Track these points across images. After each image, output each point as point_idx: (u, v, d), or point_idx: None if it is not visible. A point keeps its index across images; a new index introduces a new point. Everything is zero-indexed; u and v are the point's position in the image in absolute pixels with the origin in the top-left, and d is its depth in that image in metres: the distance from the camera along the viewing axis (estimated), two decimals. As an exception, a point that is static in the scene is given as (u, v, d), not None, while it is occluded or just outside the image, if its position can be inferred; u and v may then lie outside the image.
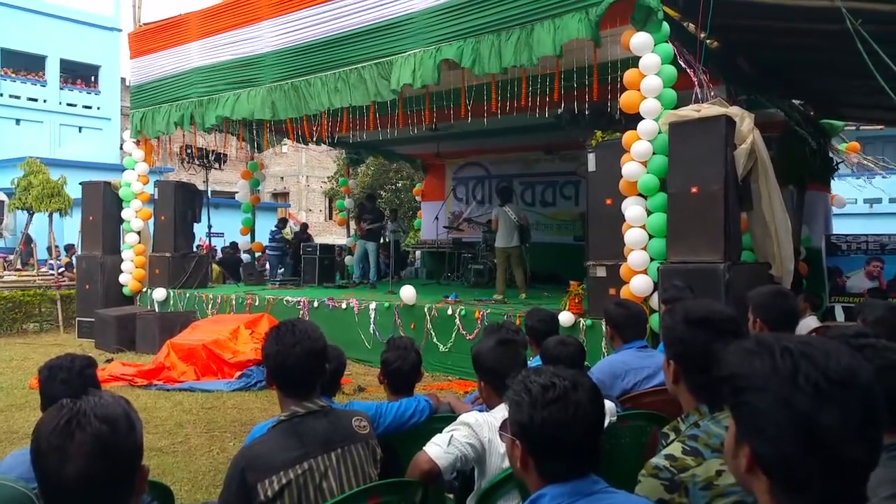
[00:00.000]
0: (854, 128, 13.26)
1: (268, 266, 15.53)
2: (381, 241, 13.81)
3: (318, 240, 18.99)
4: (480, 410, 2.78)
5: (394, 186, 25.87)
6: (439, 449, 2.29)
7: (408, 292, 8.95)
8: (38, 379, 2.41)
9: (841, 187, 12.47)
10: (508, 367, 2.57)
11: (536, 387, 1.52)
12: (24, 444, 5.88)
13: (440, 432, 2.48)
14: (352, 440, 2.31)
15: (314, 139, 13.47)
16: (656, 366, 3.38)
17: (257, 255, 15.22)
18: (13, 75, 30.53)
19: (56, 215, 19.88)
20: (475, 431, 2.34)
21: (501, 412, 2.41)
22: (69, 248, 15.58)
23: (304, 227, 18.09)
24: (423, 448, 2.32)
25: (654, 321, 6.28)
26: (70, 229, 20.57)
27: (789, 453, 0.99)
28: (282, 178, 39.40)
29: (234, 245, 16.90)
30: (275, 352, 2.32)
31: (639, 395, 3.24)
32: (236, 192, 15.76)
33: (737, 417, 1.09)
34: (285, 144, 14.92)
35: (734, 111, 6.45)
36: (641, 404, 3.13)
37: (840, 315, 8.81)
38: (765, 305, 3.08)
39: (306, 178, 39.25)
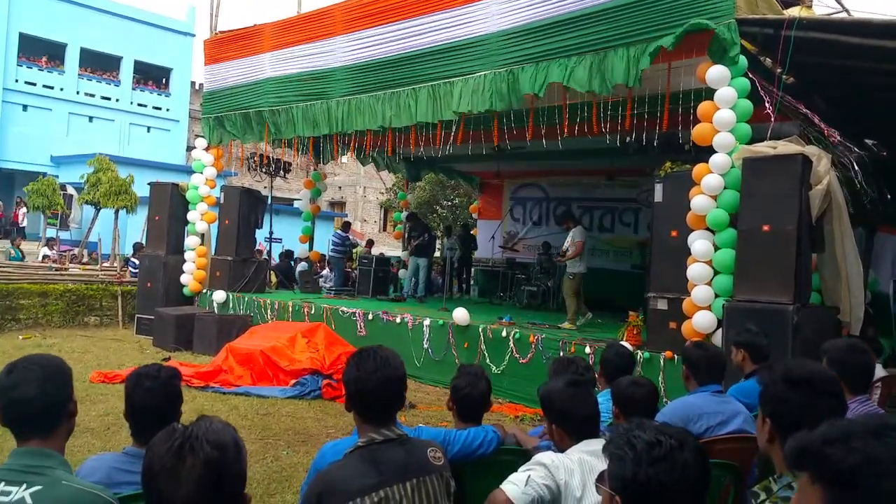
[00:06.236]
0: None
1: (332, 272, 15.09)
2: (432, 254, 13.84)
3: (372, 251, 19.10)
4: (547, 447, 2.73)
5: (450, 202, 25.94)
6: (517, 488, 2.26)
7: (460, 314, 8.86)
8: (125, 384, 2.51)
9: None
10: (580, 409, 2.53)
11: (641, 443, 1.48)
12: (84, 439, 5.96)
13: (506, 464, 2.45)
14: (427, 471, 2.30)
15: (375, 154, 13.64)
16: (731, 412, 3.29)
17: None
18: (90, 74, 31.69)
19: (122, 212, 20.55)
20: (551, 472, 2.31)
21: (577, 454, 2.38)
22: (137, 247, 15.95)
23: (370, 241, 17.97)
24: (500, 486, 2.29)
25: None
26: (133, 226, 21.20)
27: None
28: (339, 187, 39.95)
29: (289, 253, 17.11)
30: (355, 377, 2.33)
31: (711, 441, 3.15)
32: (295, 200, 15.99)
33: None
34: (345, 156, 15.16)
35: (811, 150, 6.30)
36: (714, 452, 3.03)
37: (909, 364, 8.46)
38: (841, 361, 2.97)
39: (363, 188, 39.74)
